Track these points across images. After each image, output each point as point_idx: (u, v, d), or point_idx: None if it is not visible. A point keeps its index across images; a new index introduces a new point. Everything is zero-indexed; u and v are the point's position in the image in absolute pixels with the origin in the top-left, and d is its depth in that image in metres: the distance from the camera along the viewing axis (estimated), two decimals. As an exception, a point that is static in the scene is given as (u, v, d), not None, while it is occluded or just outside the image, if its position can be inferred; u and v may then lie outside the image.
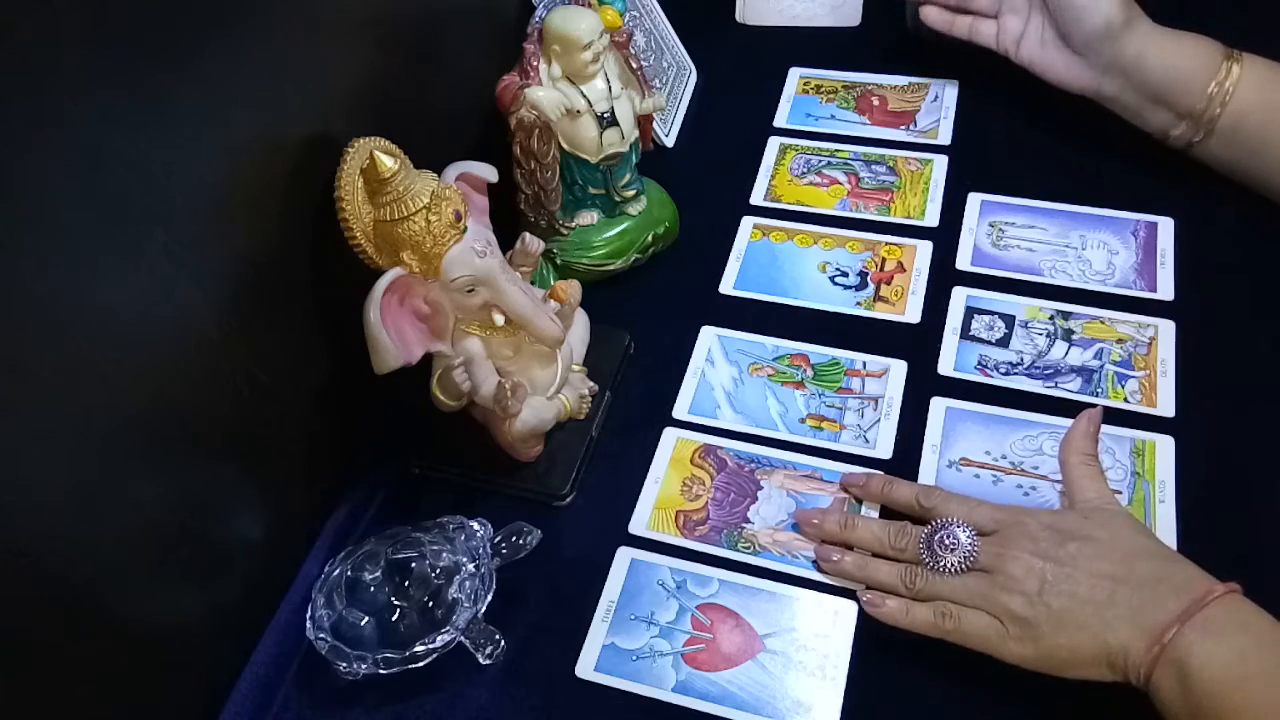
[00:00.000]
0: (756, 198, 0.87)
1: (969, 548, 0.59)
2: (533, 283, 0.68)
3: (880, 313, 0.78)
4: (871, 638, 0.61)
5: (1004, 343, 0.74)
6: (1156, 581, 0.54)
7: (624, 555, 0.65)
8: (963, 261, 0.80)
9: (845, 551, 0.63)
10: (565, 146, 0.75)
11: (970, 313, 0.76)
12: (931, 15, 0.88)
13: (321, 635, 0.60)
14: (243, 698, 0.61)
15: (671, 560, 0.65)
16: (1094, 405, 0.68)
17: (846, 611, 0.62)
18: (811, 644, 0.61)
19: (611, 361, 0.75)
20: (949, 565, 0.59)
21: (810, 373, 0.74)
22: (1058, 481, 0.66)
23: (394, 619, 0.59)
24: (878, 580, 0.61)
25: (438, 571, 0.60)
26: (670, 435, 0.71)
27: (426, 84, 0.74)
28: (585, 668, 0.61)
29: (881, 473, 0.67)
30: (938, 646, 0.59)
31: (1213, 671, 0.50)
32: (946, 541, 0.59)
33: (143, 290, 0.51)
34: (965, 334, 0.75)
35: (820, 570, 0.64)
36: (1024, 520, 0.59)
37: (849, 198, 0.86)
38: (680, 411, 0.73)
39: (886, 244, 0.82)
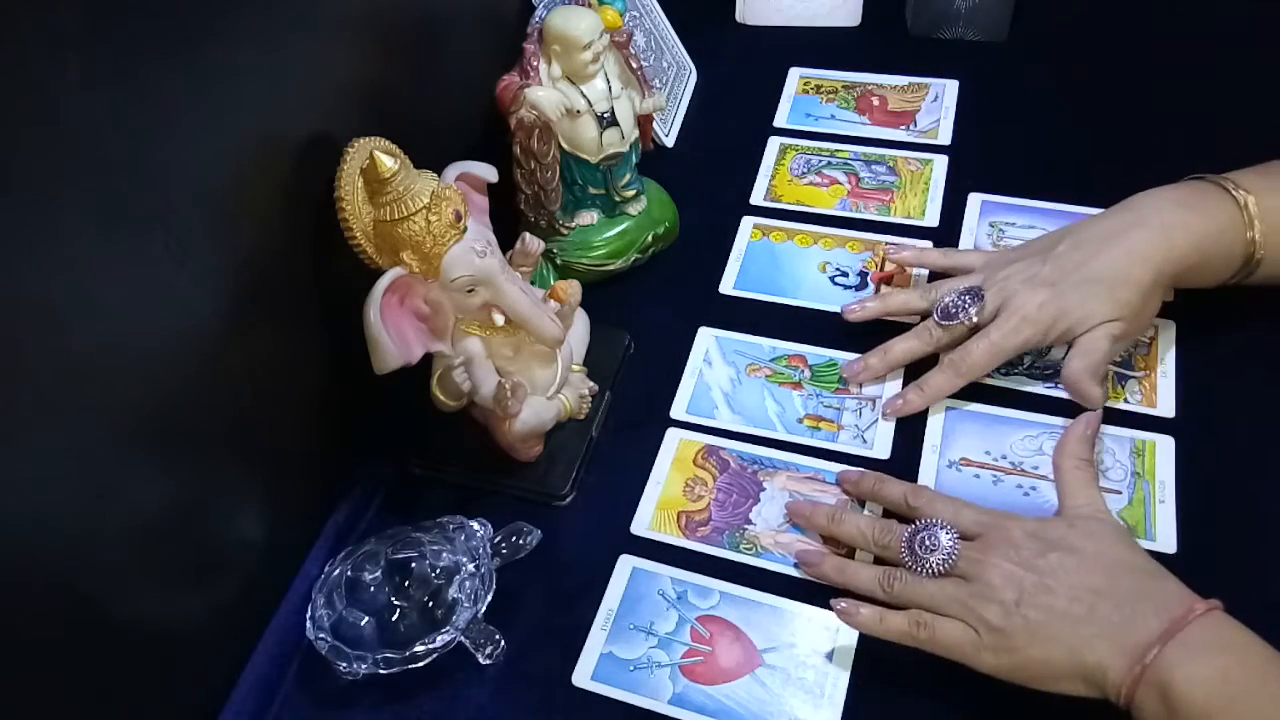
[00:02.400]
0: (756, 198, 0.87)
1: (949, 550, 0.58)
2: (533, 283, 0.68)
3: (880, 313, 0.78)
4: (872, 657, 0.60)
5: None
6: (1138, 598, 0.54)
7: (625, 563, 0.65)
8: (963, 262, 0.80)
9: (826, 554, 0.63)
10: (565, 146, 0.75)
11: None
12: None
13: (321, 635, 0.60)
14: (243, 698, 0.60)
15: (673, 570, 0.65)
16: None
17: (847, 629, 0.61)
18: (811, 661, 0.60)
19: (611, 361, 0.75)
20: (929, 567, 0.58)
21: (808, 373, 0.74)
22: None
23: (394, 619, 0.59)
24: (856, 584, 0.61)
25: (438, 571, 0.60)
26: (673, 436, 0.71)
27: (426, 84, 0.74)
28: (582, 676, 0.61)
29: (879, 473, 0.66)
30: (937, 669, 0.58)
31: (1197, 693, 0.49)
32: (928, 542, 0.58)
33: (143, 290, 0.51)
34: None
35: (803, 570, 0.64)
36: (1008, 526, 0.59)
37: (849, 198, 0.86)
38: (678, 411, 0.73)
39: (886, 244, 0.82)
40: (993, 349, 0.68)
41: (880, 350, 0.72)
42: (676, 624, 0.62)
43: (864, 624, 0.59)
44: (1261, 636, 0.52)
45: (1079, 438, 0.65)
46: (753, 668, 0.60)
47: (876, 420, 0.71)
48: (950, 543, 0.58)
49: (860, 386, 0.73)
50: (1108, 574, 0.55)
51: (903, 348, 0.72)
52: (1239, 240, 0.67)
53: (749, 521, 0.67)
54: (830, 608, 0.60)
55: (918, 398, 0.70)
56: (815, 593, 0.63)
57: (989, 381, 0.72)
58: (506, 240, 0.66)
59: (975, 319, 0.69)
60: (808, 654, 0.61)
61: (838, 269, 0.81)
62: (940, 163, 0.88)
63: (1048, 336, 0.68)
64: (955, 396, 0.71)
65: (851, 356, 0.74)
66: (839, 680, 0.59)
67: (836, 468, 0.68)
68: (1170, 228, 0.67)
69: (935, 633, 0.57)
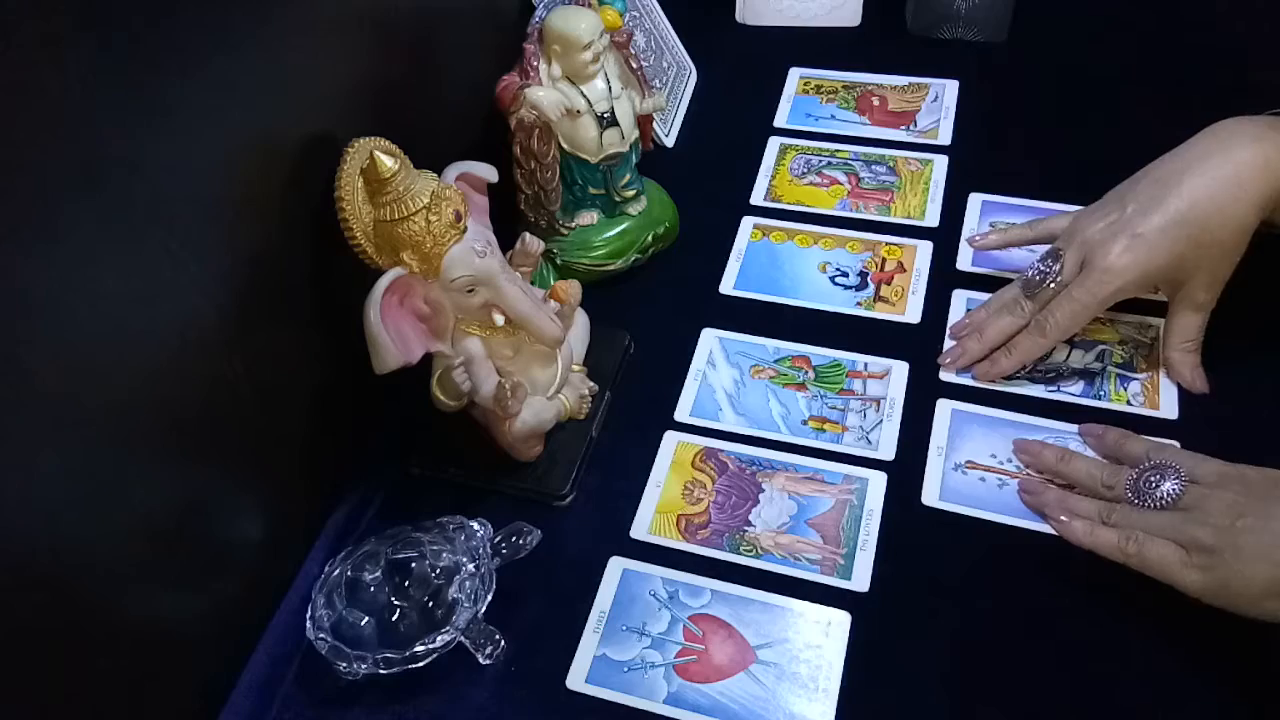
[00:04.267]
0: (756, 198, 0.87)
1: (1174, 487, 0.59)
2: (533, 283, 0.68)
3: (880, 313, 0.78)
4: (864, 649, 0.60)
5: (1005, 344, 0.74)
6: None
7: (616, 565, 0.65)
8: (963, 262, 0.80)
9: (1049, 485, 0.65)
10: (565, 146, 0.75)
11: (971, 314, 0.76)
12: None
13: (321, 635, 0.60)
14: (243, 698, 0.60)
15: (664, 570, 0.65)
16: (1098, 408, 0.68)
17: (839, 623, 0.61)
18: (804, 655, 0.60)
19: (611, 361, 0.75)
20: (1151, 502, 0.59)
21: (812, 374, 0.74)
22: (1062, 485, 0.66)
23: (394, 619, 0.59)
24: (1076, 514, 0.62)
25: (438, 571, 0.60)
26: (671, 439, 0.71)
27: (426, 84, 0.74)
28: (576, 679, 0.60)
29: (1123, 429, 0.66)
30: (931, 658, 0.59)
31: None
32: (1154, 480, 0.60)
33: (142, 290, 0.50)
34: (966, 335, 0.75)
35: (1023, 499, 0.65)
36: (1245, 472, 0.59)
37: (849, 198, 0.86)
38: (682, 414, 0.73)
39: (886, 244, 0.82)
40: (1075, 306, 0.67)
41: (974, 333, 0.72)
42: (669, 624, 0.62)
43: (1073, 533, 0.61)
44: (1262, 636, 0.52)
45: None
46: (746, 664, 0.60)
47: (881, 421, 0.71)
48: (1177, 482, 0.59)
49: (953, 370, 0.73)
50: None
51: (997, 327, 0.71)
52: None
53: (748, 523, 0.67)
54: (822, 604, 0.60)
55: (1006, 361, 0.70)
56: (808, 590, 0.63)
57: (993, 386, 0.72)
58: (506, 240, 0.66)
59: (1060, 278, 0.68)
60: (801, 648, 0.61)
61: (838, 269, 0.81)
62: (940, 163, 0.88)
63: (1137, 285, 0.66)
64: (958, 399, 0.71)
65: (853, 357, 0.74)
66: (833, 673, 0.59)
67: (837, 468, 0.68)
68: (1263, 141, 0.63)
69: (1143, 549, 0.58)
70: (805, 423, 0.71)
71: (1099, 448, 0.67)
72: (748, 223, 0.85)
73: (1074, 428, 0.68)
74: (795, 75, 0.97)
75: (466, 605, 0.60)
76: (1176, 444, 0.65)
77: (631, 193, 0.80)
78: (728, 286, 0.81)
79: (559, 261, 0.79)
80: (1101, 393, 0.71)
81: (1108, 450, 0.66)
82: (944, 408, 0.71)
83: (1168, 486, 0.59)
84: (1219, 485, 0.58)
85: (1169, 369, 0.69)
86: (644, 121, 0.78)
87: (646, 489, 0.69)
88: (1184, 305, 0.68)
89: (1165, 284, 0.68)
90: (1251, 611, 0.55)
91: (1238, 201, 0.63)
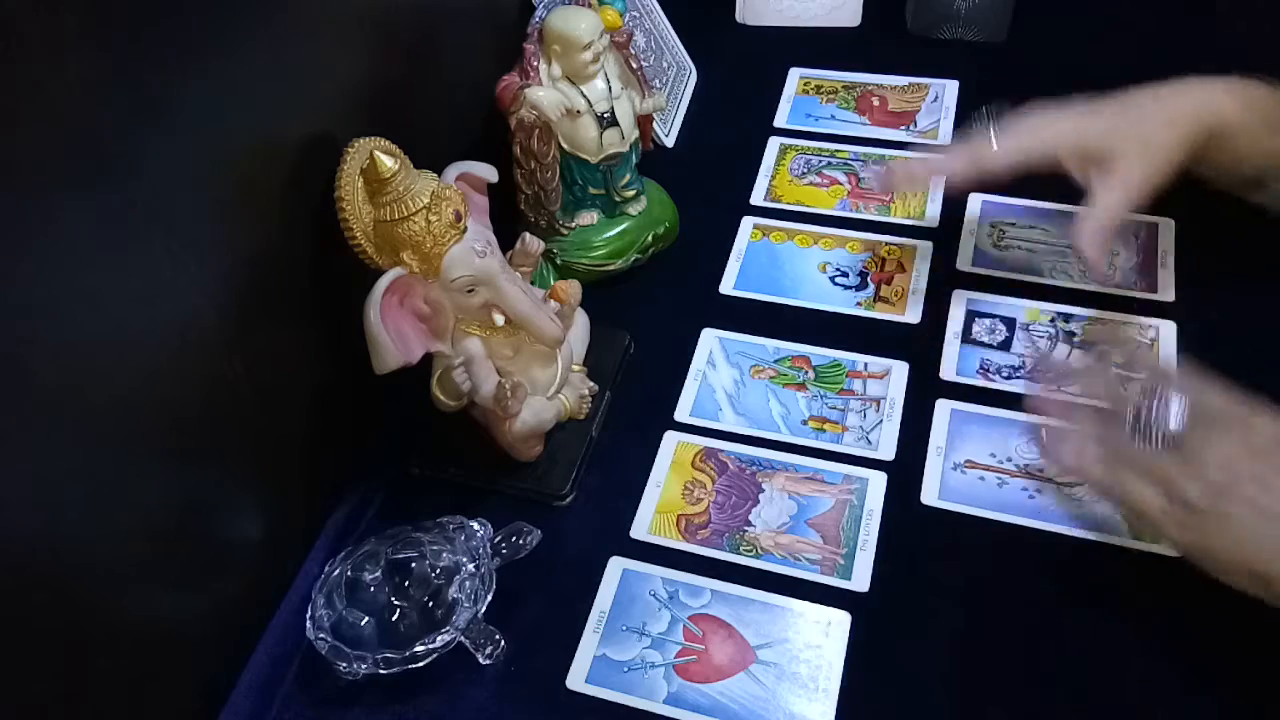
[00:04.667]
0: (756, 198, 0.87)
1: (1176, 424, 0.56)
2: (533, 283, 0.68)
3: (880, 313, 0.78)
4: (864, 649, 0.60)
5: (1005, 346, 0.74)
6: None
7: (615, 565, 0.65)
8: (963, 262, 0.80)
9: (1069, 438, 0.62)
10: (565, 146, 0.75)
11: (971, 316, 0.76)
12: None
13: (321, 635, 0.60)
14: (243, 698, 0.60)
15: (664, 570, 0.65)
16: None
17: (839, 623, 0.61)
18: (804, 655, 0.60)
19: (611, 361, 0.75)
20: (1151, 435, 0.56)
21: (812, 374, 0.74)
22: (1064, 484, 0.66)
23: (394, 619, 0.59)
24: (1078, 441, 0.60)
25: (438, 571, 0.60)
26: (671, 439, 0.71)
27: (426, 84, 0.74)
28: (576, 679, 0.60)
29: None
30: (931, 658, 0.59)
31: None
32: (1158, 409, 0.56)
33: (142, 290, 0.50)
34: (966, 338, 0.75)
35: (1041, 449, 0.66)
36: (1256, 419, 0.55)
37: (849, 198, 0.86)
38: (682, 414, 0.73)
39: (886, 244, 0.82)
40: (1004, 148, 0.70)
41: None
42: (669, 624, 0.62)
43: (1061, 459, 0.61)
44: (1262, 635, 0.52)
45: None
46: (746, 664, 0.60)
47: (880, 421, 0.71)
48: (1179, 416, 0.56)
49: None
50: None
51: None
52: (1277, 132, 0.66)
53: (748, 523, 0.66)
54: (823, 604, 0.61)
55: (920, 165, 0.72)
56: (808, 590, 0.63)
57: (991, 385, 0.72)
58: (506, 240, 0.66)
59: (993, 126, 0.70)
60: (801, 648, 0.61)
61: (838, 269, 0.81)
62: (940, 163, 0.88)
63: (1071, 148, 0.69)
64: (958, 398, 0.71)
65: (853, 357, 0.74)
66: (833, 673, 0.59)
67: (837, 468, 0.68)
68: (1211, 84, 0.68)
69: (1127, 488, 0.56)
70: (805, 423, 0.71)
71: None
72: (748, 223, 0.85)
73: (1073, 427, 0.68)
74: (795, 75, 0.97)
75: (466, 605, 0.60)
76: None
77: (631, 193, 0.80)
78: (728, 286, 0.81)
79: (559, 261, 0.79)
80: (1101, 393, 0.70)
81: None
82: (943, 407, 0.71)
83: (1170, 418, 0.56)
84: (1225, 428, 0.55)
85: (1075, 235, 0.68)
86: (644, 121, 0.78)
87: (646, 489, 0.69)
88: (1108, 182, 0.67)
89: (1097, 159, 0.68)
90: (1225, 579, 0.53)
91: (1178, 107, 0.67)
